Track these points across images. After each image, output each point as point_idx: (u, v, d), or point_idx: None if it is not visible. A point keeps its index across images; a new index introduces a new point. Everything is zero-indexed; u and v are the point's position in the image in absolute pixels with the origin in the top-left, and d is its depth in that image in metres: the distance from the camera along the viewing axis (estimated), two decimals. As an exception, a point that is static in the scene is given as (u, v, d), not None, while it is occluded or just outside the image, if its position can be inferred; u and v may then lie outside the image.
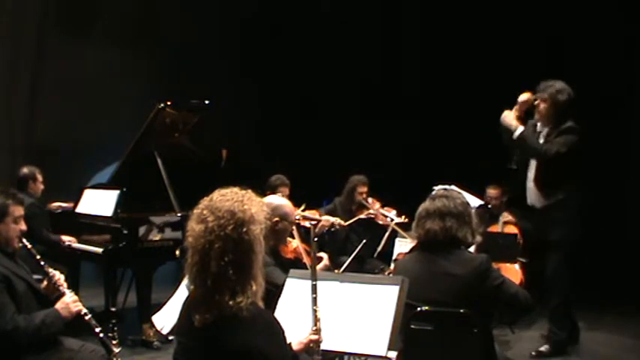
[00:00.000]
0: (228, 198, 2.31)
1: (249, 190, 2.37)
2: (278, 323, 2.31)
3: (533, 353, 5.27)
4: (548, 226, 5.25)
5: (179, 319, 2.38)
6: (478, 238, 3.30)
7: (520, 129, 5.14)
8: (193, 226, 2.29)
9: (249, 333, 2.20)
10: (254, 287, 2.25)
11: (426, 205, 3.26)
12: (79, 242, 5.72)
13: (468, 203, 3.29)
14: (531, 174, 5.31)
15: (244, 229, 2.25)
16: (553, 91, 5.07)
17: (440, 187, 3.47)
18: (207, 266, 2.22)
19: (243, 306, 2.19)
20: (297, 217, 5.28)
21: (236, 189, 2.36)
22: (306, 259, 4.72)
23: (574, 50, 7.99)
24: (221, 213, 2.26)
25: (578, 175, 5.20)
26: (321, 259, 4.81)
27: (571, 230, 5.19)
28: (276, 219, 3.64)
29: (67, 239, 5.71)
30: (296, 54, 9.05)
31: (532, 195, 5.35)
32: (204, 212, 2.28)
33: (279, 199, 3.85)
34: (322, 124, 9.02)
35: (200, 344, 2.25)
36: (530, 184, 5.33)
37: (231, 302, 2.19)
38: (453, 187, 3.71)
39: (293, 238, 4.92)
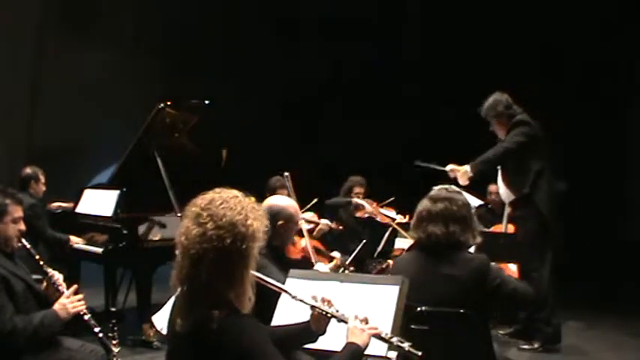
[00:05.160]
0: (232, 206, 2.17)
1: (252, 198, 2.25)
2: (255, 326, 2.17)
3: (523, 346, 5.31)
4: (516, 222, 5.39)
5: (169, 319, 2.31)
6: (478, 239, 3.25)
7: (466, 167, 5.25)
8: (189, 226, 2.18)
9: (224, 342, 2.10)
10: (240, 300, 2.15)
11: (427, 206, 3.19)
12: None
13: (469, 204, 3.25)
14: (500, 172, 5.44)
15: (243, 246, 2.14)
16: (489, 110, 5.38)
17: (440, 186, 3.42)
18: (197, 274, 2.13)
19: (216, 318, 2.08)
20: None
21: (239, 194, 2.23)
22: (314, 257, 4.68)
23: (572, 50, 8.00)
24: (222, 222, 2.13)
25: (544, 168, 5.27)
26: (333, 258, 4.78)
27: (534, 226, 5.23)
28: (281, 222, 3.63)
29: (75, 240, 5.69)
30: (296, 54, 9.05)
31: (503, 193, 5.45)
32: (204, 216, 2.16)
33: (284, 200, 3.81)
34: (323, 124, 9.01)
35: (179, 349, 2.21)
36: (500, 181, 5.45)
37: (210, 313, 2.09)
38: (452, 187, 3.69)
39: (301, 236, 4.89)
